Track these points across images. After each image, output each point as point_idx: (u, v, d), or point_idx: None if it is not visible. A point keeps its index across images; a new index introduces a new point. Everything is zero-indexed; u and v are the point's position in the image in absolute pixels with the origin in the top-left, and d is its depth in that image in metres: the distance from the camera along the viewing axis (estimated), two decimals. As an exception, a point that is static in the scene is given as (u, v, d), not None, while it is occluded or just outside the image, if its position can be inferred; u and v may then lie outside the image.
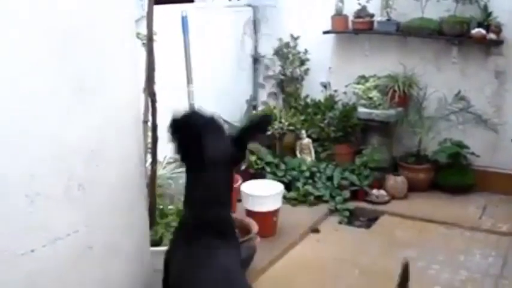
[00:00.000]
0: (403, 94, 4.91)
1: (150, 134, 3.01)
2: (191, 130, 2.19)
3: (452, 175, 4.90)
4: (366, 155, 4.85)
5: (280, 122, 4.91)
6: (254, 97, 5.67)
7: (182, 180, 3.95)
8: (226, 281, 2.05)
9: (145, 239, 2.64)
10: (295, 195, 4.58)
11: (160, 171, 3.58)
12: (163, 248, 2.85)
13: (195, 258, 2.12)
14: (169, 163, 3.93)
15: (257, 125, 2.43)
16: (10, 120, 1.94)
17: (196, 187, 2.25)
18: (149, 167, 3.02)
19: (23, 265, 2.05)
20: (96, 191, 2.29)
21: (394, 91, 4.88)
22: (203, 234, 2.16)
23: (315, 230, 4.23)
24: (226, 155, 2.21)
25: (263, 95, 5.70)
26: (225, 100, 5.12)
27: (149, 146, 3.06)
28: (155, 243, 2.87)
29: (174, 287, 2.26)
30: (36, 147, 2.04)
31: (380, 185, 4.79)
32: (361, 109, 5.01)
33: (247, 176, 4.37)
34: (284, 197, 4.37)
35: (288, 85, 5.42)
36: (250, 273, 3.28)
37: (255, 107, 5.57)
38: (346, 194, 4.61)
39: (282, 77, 5.46)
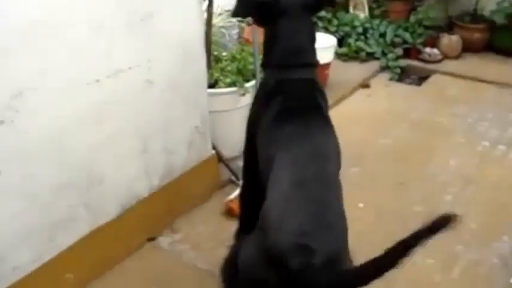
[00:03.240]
0: None
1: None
2: None
3: (508, 37, 4.74)
4: (420, 13, 4.72)
5: (335, -24, 4.76)
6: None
7: (235, 30, 4.00)
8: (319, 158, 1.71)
9: (203, 78, 2.71)
10: (346, 51, 4.56)
11: (213, 20, 3.57)
12: (219, 90, 2.95)
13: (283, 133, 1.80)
14: (222, 13, 3.92)
15: None
16: None
17: (274, 37, 1.94)
18: (205, 12, 3.02)
19: (90, 94, 2.15)
20: (156, 25, 2.34)
21: None
22: (292, 104, 1.86)
23: (366, 85, 4.25)
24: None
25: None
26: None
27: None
28: (210, 85, 2.93)
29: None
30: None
31: (433, 43, 4.70)
32: (419, -37, 4.82)
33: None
34: (335, 53, 4.36)
35: None
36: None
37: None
38: (399, 51, 4.55)
39: None
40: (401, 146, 3.45)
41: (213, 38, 3.44)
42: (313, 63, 1.97)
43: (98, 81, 2.16)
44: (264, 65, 2.02)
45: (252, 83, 3.03)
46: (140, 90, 2.36)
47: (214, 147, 2.92)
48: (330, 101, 3.94)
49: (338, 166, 1.81)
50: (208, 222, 2.77)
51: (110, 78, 2.21)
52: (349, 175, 3.08)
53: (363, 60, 4.54)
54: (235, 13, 2.00)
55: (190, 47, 2.57)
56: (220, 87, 2.99)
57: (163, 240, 2.66)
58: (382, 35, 4.62)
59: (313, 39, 1.98)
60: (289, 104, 1.87)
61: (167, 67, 2.45)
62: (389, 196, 2.95)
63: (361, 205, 2.89)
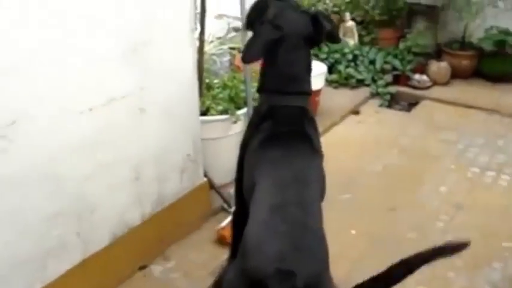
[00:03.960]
0: (451, -24, 4.75)
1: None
2: (267, 6, 1.99)
3: (496, 63, 4.82)
4: (410, 40, 4.79)
5: (325, 4, 4.85)
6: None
7: (226, 57, 4.03)
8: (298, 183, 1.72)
9: (195, 106, 2.73)
10: (336, 78, 4.61)
11: (205, 48, 3.60)
12: (211, 118, 2.97)
13: (268, 155, 1.85)
14: (213, 41, 3.96)
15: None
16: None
17: (272, 64, 1.96)
18: (197, 40, 3.05)
19: (83, 123, 2.17)
20: (149, 54, 2.36)
21: (443, -27, 4.73)
22: (279, 129, 1.89)
23: (356, 112, 4.29)
24: (304, 29, 1.95)
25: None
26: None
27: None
28: (202, 113, 2.95)
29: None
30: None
31: (423, 70, 4.76)
32: (408, -8, 4.90)
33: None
34: (326, 80, 4.40)
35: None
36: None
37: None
38: (388, 78, 4.61)
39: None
40: (391, 172, 3.47)
41: (205, 65, 3.47)
42: (307, 92, 2.01)
43: (90, 109, 2.18)
44: (259, 90, 2.06)
45: (244, 110, 3.05)
46: (133, 119, 2.38)
47: (206, 175, 2.93)
48: (321, 128, 3.92)
49: (321, 192, 1.84)
50: (200, 250, 2.76)
51: (103, 106, 2.22)
52: (340, 202, 3.11)
53: (353, 87, 4.59)
54: (249, 56, 1.98)
55: (183, 75, 2.60)
56: (212, 114, 3.01)
57: (155, 269, 2.65)
58: (372, 62, 4.68)
59: (309, 69, 2.02)
60: (277, 130, 1.91)
61: (160, 95, 2.47)
62: (381, 223, 2.96)
63: (353, 232, 2.90)
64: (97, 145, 2.24)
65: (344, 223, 2.92)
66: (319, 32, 1.97)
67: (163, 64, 2.45)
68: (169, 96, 2.53)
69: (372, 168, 3.51)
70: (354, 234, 2.88)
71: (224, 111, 3.01)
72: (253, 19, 2.03)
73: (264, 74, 2.04)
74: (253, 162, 1.87)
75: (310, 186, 1.72)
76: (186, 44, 2.58)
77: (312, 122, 1.98)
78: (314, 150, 1.88)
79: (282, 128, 1.91)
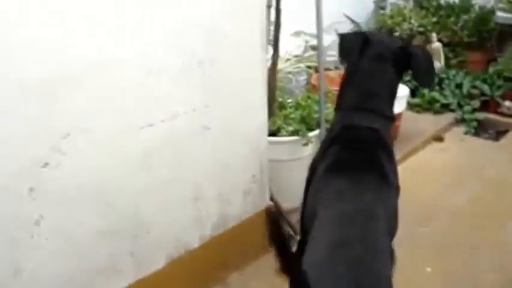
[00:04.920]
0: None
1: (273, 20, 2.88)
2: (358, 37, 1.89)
3: None
4: (500, 63, 4.46)
5: (410, 23, 4.60)
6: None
7: (303, 76, 3.88)
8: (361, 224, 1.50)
9: (263, 125, 2.58)
10: (419, 102, 4.34)
11: (280, 65, 3.47)
12: (280, 139, 2.81)
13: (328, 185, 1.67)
14: (289, 59, 3.83)
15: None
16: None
17: (352, 75, 1.85)
18: (270, 58, 2.92)
19: (142, 138, 2.06)
20: (216, 69, 2.24)
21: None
22: (347, 155, 1.72)
23: (439, 139, 4.00)
24: (393, 47, 1.84)
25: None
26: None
27: (271, 38, 2.94)
28: (272, 133, 2.81)
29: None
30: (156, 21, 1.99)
31: (514, 96, 4.41)
32: (499, 13, 4.59)
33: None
34: (407, 103, 4.16)
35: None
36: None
37: (382, 8, 5.25)
38: (476, 103, 4.29)
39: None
40: (475, 206, 3.17)
41: (279, 83, 3.34)
42: (386, 114, 1.83)
43: (151, 125, 2.07)
44: (335, 108, 1.91)
45: (316, 132, 2.88)
46: (195, 136, 2.26)
47: (272, 198, 2.77)
48: (401, 154, 3.78)
49: (392, 230, 1.62)
50: (261, 279, 2.59)
51: (164, 122, 2.11)
52: (417, 236, 2.86)
53: (437, 112, 4.30)
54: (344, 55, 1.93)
55: (251, 94, 2.46)
56: (282, 135, 2.85)
57: (213, 296, 2.52)
58: (459, 86, 4.38)
59: (392, 92, 1.86)
60: (344, 156, 1.73)
61: (225, 113, 2.34)
62: (460, 261, 2.69)
63: (428, 270, 2.64)
64: (155, 161, 2.13)
65: (419, 259, 2.67)
66: (407, 57, 1.81)
67: (230, 81, 2.33)
68: (235, 115, 2.40)
69: (454, 201, 3.22)
70: (429, 272, 2.62)
71: (295, 132, 2.84)
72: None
73: (341, 89, 1.89)
74: (315, 191, 1.70)
75: (378, 223, 1.51)
76: (256, 61, 2.44)
77: (387, 149, 1.79)
78: (385, 182, 1.66)
79: (350, 154, 1.73)
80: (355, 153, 1.73)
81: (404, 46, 1.86)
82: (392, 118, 1.87)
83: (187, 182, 2.29)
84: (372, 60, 1.82)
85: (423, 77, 1.87)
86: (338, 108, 1.90)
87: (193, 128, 2.24)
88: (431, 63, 1.87)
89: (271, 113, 2.92)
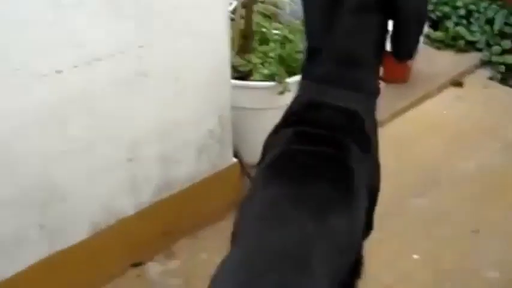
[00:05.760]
0: None
1: None
2: None
3: None
4: (544, -3, 3.79)
5: None
6: None
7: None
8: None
9: (224, 67, 2.08)
10: (442, 37, 3.72)
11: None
12: (250, 83, 2.33)
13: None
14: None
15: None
16: None
17: (323, 35, 1.31)
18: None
19: (50, 88, 1.61)
20: None
21: None
22: (301, 147, 1.24)
23: (458, 84, 3.43)
24: None
25: None
26: None
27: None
28: (243, 75, 2.32)
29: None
30: None
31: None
32: None
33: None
34: (428, 37, 3.59)
35: None
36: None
37: None
38: (507, 44, 3.64)
39: None
40: (486, 176, 2.65)
41: (269, 8, 2.79)
42: (369, 88, 1.34)
43: (59, 72, 1.60)
44: (302, 75, 1.40)
45: (297, 78, 2.37)
46: (127, 85, 1.79)
47: (236, 155, 2.32)
48: (410, 100, 3.25)
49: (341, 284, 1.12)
50: (214, 249, 2.18)
51: (78, 68, 1.64)
52: (408, 208, 2.40)
53: (461, 50, 3.67)
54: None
55: (206, 25, 1.94)
56: (255, 79, 2.35)
57: (153, 268, 2.13)
58: (490, 21, 3.72)
59: (378, 52, 1.34)
60: (295, 149, 1.24)
61: (168, 54, 1.85)
62: (456, 249, 2.24)
63: (415, 256, 2.20)
64: (70, 119, 1.69)
65: (405, 241, 2.24)
66: None
67: (174, 10, 1.81)
68: (183, 55, 1.90)
69: (462, 167, 2.70)
70: (415, 260, 2.19)
71: (270, 77, 2.33)
72: None
73: (310, 47, 1.37)
74: (245, 199, 1.23)
75: (311, 280, 0.99)
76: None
77: (365, 143, 1.30)
78: (349, 199, 1.18)
79: (304, 148, 1.24)
80: (312, 146, 1.23)
81: None
82: (377, 92, 1.37)
83: (117, 141, 1.85)
84: (351, 12, 1.27)
85: (408, 35, 1.34)
86: (304, 76, 1.39)
87: (123, 75, 1.76)
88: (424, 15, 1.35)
89: (245, 49, 2.42)
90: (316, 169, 1.20)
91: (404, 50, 1.37)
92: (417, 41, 1.37)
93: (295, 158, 1.22)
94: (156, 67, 1.83)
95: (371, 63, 1.33)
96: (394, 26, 1.31)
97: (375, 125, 1.38)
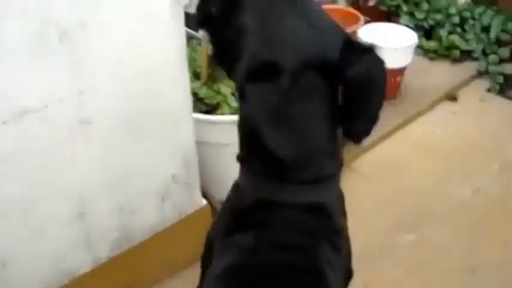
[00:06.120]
0: None
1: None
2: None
3: None
4: (543, 0, 3.57)
5: None
6: None
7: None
8: None
9: (185, 105, 1.87)
10: (435, 46, 3.51)
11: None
12: (219, 118, 2.14)
13: None
14: None
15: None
16: None
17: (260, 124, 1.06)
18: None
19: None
20: (90, 37, 1.53)
21: None
22: (262, 259, 1.06)
23: (452, 98, 3.22)
24: (320, 53, 1.03)
25: None
26: None
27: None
28: (211, 109, 2.14)
29: None
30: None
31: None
32: None
33: (374, 16, 3.37)
34: (421, 47, 3.39)
35: None
36: (347, 150, 2.41)
37: None
38: (505, 52, 3.42)
39: None
40: (483, 203, 2.45)
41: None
42: (330, 175, 1.11)
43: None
44: (240, 160, 1.15)
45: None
46: (68, 135, 1.60)
47: (205, 195, 2.13)
48: (401, 118, 3.03)
49: None
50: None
51: (8, 124, 1.45)
52: (398, 247, 2.20)
53: (456, 60, 3.46)
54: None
55: (158, 64, 1.74)
56: (222, 113, 2.15)
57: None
58: (486, 29, 3.50)
59: (333, 129, 1.10)
60: (257, 259, 1.06)
61: (111, 97, 1.65)
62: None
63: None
64: (3, 177, 1.51)
65: (394, 285, 2.04)
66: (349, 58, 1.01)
67: (118, 49, 1.61)
68: (132, 95, 1.70)
69: (456, 193, 2.49)
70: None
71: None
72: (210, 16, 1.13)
73: (247, 136, 1.11)
74: None
75: None
76: (164, 25, 1.71)
77: (337, 239, 1.11)
78: None
79: (268, 257, 1.05)
80: (277, 253, 1.05)
81: (349, 41, 1.06)
82: (341, 163, 1.15)
83: (63, 197, 1.66)
84: (291, 85, 1.01)
85: (357, 117, 1.10)
86: (245, 164, 1.14)
87: (63, 125, 1.57)
88: (379, 94, 1.10)
89: (214, 78, 2.23)
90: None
91: (357, 127, 1.11)
92: (375, 117, 1.11)
93: (258, 274, 1.03)
94: (101, 113, 1.63)
95: (326, 148, 1.09)
96: (343, 98, 1.06)
97: (341, 196, 1.18)
